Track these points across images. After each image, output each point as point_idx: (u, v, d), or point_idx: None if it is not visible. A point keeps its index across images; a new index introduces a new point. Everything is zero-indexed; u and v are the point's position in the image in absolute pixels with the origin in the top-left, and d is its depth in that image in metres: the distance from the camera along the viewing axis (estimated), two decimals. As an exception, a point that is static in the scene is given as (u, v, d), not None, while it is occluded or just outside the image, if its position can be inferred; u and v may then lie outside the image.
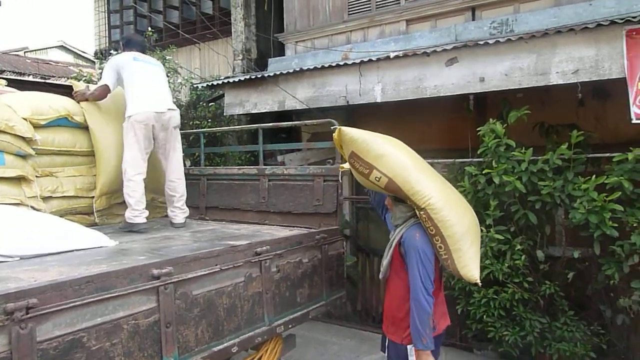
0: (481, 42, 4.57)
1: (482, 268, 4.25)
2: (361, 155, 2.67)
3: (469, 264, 2.59)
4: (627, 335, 4.30)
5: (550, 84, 4.26)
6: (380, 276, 2.82)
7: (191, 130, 6.43)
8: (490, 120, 4.37)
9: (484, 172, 4.27)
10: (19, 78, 11.33)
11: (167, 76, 7.24)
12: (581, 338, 4.06)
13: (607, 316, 4.11)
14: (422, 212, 2.56)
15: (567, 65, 4.19)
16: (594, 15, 4.70)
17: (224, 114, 6.84)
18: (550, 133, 4.90)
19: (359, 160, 2.69)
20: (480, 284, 2.68)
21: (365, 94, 5.42)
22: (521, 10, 5.33)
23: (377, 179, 2.65)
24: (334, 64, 5.65)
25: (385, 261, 2.76)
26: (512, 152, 4.17)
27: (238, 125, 7.09)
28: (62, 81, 11.92)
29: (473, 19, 5.67)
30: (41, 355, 1.86)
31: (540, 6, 5.22)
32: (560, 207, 4.19)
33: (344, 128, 2.77)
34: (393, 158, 2.64)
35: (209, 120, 7.19)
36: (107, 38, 10.66)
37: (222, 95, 6.94)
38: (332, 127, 3.09)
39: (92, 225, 3.94)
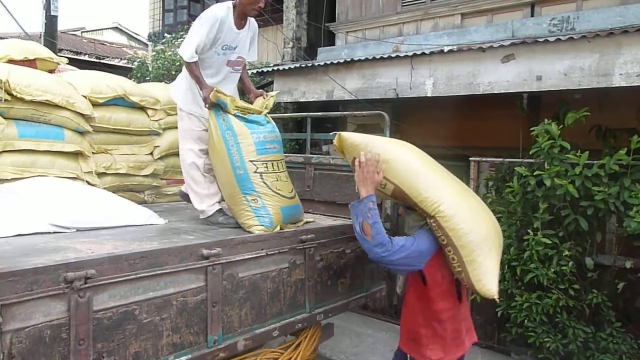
0: (540, 39, 4.43)
1: (527, 272, 4.16)
2: None
3: (485, 277, 2.34)
4: (676, 352, 4.12)
5: (613, 85, 4.09)
6: (398, 290, 2.74)
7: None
8: (545, 120, 4.23)
9: (534, 173, 4.15)
10: (76, 57, 11.77)
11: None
12: (627, 351, 3.91)
13: (656, 331, 3.96)
14: (432, 220, 2.40)
15: (632, 67, 4.01)
16: (663, 15, 4.48)
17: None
18: (608, 137, 4.71)
19: None
20: (498, 300, 2.41)
21: (415, 88, 5.35)
22: (584, 8, 5.13)
23: (382, 186, 2.53)
24: (385, 56, 5.60)
25: (402, 277, 2.67)
26: (566, 155, 4.03)
27: (284, 112, 7.13)
28: (116, 61, 12.30)
29: (532, 15, 5.50)
30: (96, 324, 1.94)
31: (604, 4, 5.00)
32: (613, 215, 4.03)
33: (344, 133, 2.67)
34: (399, 163, 2.50)
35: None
36: (160, 21, 10.92)
37: (271, 82, 7.00)
38: (331, 134, 3.00)
39: (142, 202, 4.05)
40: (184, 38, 7.72)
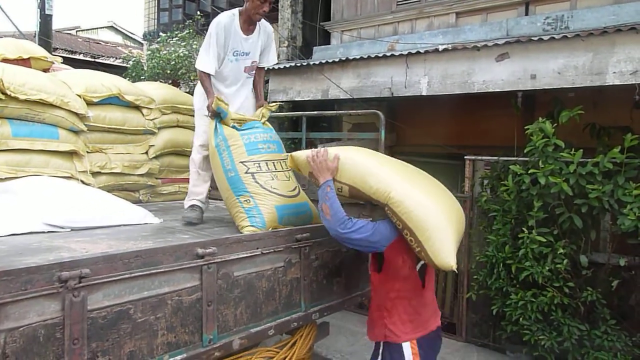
0: (535, 38, 4.45)
1: (522, 270, 4.18)
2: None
3: (442, 252, 2.41)
4: (670, 349, 4.14)
5: (606, 84, 4.11)
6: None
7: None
8: (540, 119, 4.25)
9: (529, 172, 4.17)
10: (70, 56, 11.73)
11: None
12: (622, 348, 3.93)
13: (650, 328, 3.98)
14: (386, 209, 2.54)
15: (625, 65, 4.03)
16: (657, 14, 4.49)
17: (267, 101, 6.90)
18: (602, 135, 4.73)
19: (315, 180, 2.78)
20: (456, 270, 2.50)
21: (410, 87, 5.36)
22: (578, 7, 5.15)
23: (339, 190, 2.72)
24: (380, 55, 5.61)
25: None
26: (561, 153, 4.04)
27: (279, 112, 7.13)
28: (111, 61, 12.26)
29: (526, 14, 5.51)
30: (91, 323, 1.94)
31: (598, 3, 5.02)
32: (607, 212, 4.05)
33: (294, 154, 2.90)
34: (348, 164, 2.69)
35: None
36: (155, 20, 10.89)
37: (266, 82, 6.99)
38: (284, 155, 3.12)
39: (137, 202, 4.05)
40: (179, 37, 7.69)
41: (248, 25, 3.44)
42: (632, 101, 4.26)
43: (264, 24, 3.58)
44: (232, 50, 3.44)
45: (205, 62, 3.36)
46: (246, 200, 2.96)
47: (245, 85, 3.65)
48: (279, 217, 2.99)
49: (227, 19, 3.36)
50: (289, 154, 2.94)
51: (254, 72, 3.67)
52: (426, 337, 2.65)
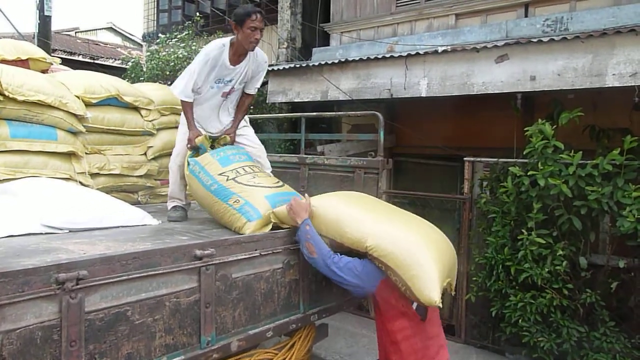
0: (534, 40, 4.45)
1: (521, 271, 4.17)
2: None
3: (426, 288, 2.38)
4: (669, 351, 4.14)
5: (606, 86, 4.11)
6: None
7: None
8: (539, 120, 4.24)
9: (528, 173, 4.16)
10: (69, 57, 11.72)
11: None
12: (621, 350, 3.92)
13: (650, 330, 3.97)
14: (369, 255, 2.58)
15: (625, 67, 4.03)
16: (656, 16, 4.50)
17: (266, 102, 6.90)
18: (602, 137, 4.73)
19: None
20: (440, 305, 2.43)
21: (410, 88, 5.36)
22: (577, 9, 5.15)
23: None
24: (379, 56, 5.61)
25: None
26: (560, 155, 4.04)
27: (279, 113, 7.13)
28: (110, 62, 12.25)
29: (525, 16, 5.51)
30: (88, 325, 1.93)
31: (598, 4, 5.02)
32: (607, 214, 4.05)
33: (275, 211, 2.93)
34: (326, 217, 2.77)
35: (251, 107, 7.26)
36: (155, 22, 10.89)
37: (265, 83, 6.99)
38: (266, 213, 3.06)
39: (135, 203, 4.05)
40: (178, 38, 7.68)
41: (238, 56, 3.41)
42: (631, 103, 4.26)
43: (258, 53, 3.54)
44: (215, 78, 3.45)
45: (180, 88, 3.37)
46: (235, 201, 2.98)
47: (223, 109, 3.66)
48: (271, 204, 2.99)
49: (217, 51, 3.34)
50: (272, 211, 2.96)
51: (234, 95, 3.65)
52: None
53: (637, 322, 4.10)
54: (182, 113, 3.56)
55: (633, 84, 3.98)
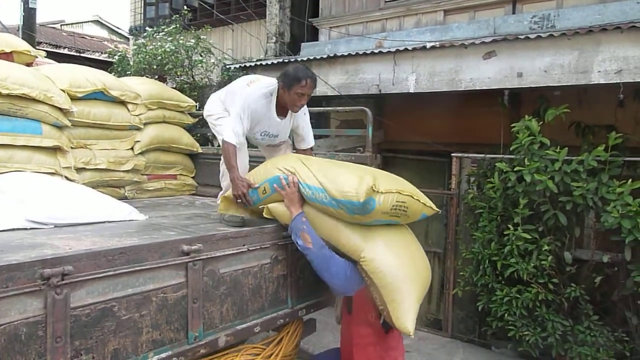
0: (521, 37, 4.47)
1: (507, 266, 4.22)
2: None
3: (404, 316, 2.51)
4: (652, 344, 4.21)
5: (592, 83, 4.15)
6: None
7: (221, 111, 6.46)
8: (526, 117, 4.28)
9: (515, 169, 4.20)
10: (55, 50, 11.55)
11: (200, 56, 7.31)
12: (604, 343, 3.99)
13: (632, 323, 4.03)
14: (358, 265, 2.63)
15: (610, 64, 4.07)
16: (641, 14, 4.54)
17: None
18: (587, 133, 4.79)
19: None
20: (413, 335, 2.55)
21: (398, 84, 5.37)
22: (564, 6, 5.19)
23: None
24: (368, 52, 5.60)
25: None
26: (546, 151, 4.08)
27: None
28: (96, 55, 12.11)
29: (513, 12, 5.54)
30: (74, 321, 1.91)
31: (584, 2, 5.06)
32: (591, 210, 4.10)
33: (270, 206, 2.87)
34: (318, 218, 2.74)
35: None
36: (142, 15, 10.77)
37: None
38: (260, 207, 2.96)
39: (122, 198, 4.01)
40: (165, 32, 7.57)
41: (281, 109, 3.17)
42: (616, 100, 4.32)
43: (303, 109, 3.28)
44: (261, 131, 3.21)
45: (232, 134, 2.99)
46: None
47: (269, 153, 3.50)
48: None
49: (265, 100, 3.08)
50: (266, 206, 2.90)
51: (281, 149, 3.47)
52: None
53: (620, 316, 4.17)
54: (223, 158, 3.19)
55: (618, 81, 4.02)
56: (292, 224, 2.74)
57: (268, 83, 3.16)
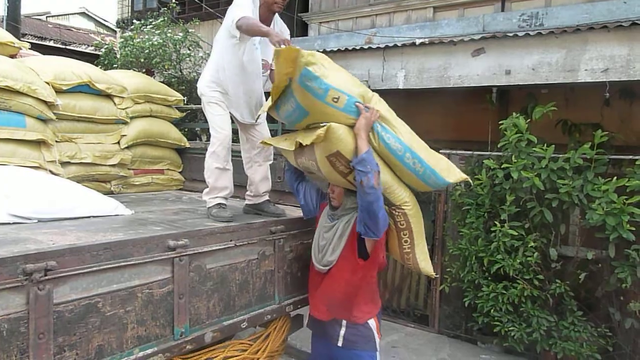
0: (510, 34, 4.50)
1: (493, 262, 4.25)
2: (347, 157, 2.47)
3: (426, 258, 2.81)
4: (634, 339, 4.26)
5: (579, 81, 4.19)
6: (324, 268, 2.72)
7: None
8: (514, 114, 4.30)
9: (502, 166, 4.22)
10: (40, 42, 11.38)
11: (189, 50, 7.25)
12: (587, 339, 4.04)
13: (615, 319, 4.08)
14: (393, 208, 2.69)
15: (597, 63, 4.11)
16: (627, 13, 4.58)
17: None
18: (573, 131, 4.83)
19: (341, 160, 2.49)
20: (435, 275, 2.85)
21: (387, 80, 5.37)
22: (553, 4, 5.23)
23: (354, 178, 2.50)
24: (357, 47, 5.60)
25: (335, 252, 2.67)
26: (533, 148, 4.11)
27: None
28: (83, 48, 11.95)
29: (502, 10, 5.57)
30: (57, 317, 1.89)
31: (572, 0, 5.11)
32: (577, 207, 4.14)
33: (333, 126, 2.43)
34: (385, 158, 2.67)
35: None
36: (129, 7, 10.64)
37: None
38: (321, 125, 2.52)
39: (108, 193, 3.97)
40: (153, 25, 7.48)
41: (264, 19, 3.02)
42: (602, 99, 4.36)
43: (278, 21, 3.18)
44: (259, 38, 3.05)
45: (239, 11, 2.84)
46: None
47: (258, 79, 3.21)
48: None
49: (253, 6, 2.98)
50: (328, 124, 2.44)
51: (267, 73, 3.26)
52: (380, 310, 2.90)
53: (604, 312, 4.22)
54: (201, 96, 3.15)
55: (604, 80, 4.06)
56: (367, 159, 2.41)
57: None
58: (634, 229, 3.70)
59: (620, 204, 3.68)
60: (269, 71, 3.27)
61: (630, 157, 3.95)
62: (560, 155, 4.04)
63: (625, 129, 4.86)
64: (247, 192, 3.40)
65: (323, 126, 2.47)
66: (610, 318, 4.13)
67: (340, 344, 2.71)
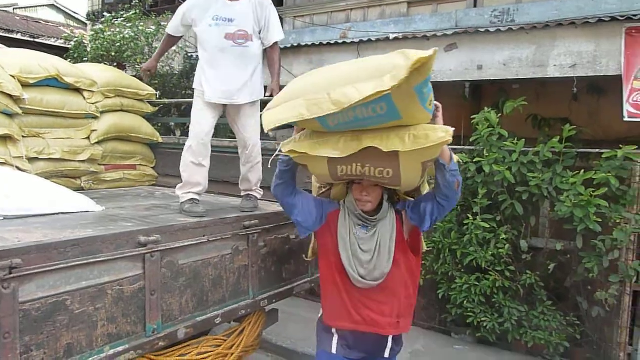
0: (482, 30, 4.56)
1: (466, 255, 4.32)
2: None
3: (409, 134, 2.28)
4: (601, 327, 4.40)
5: (548, 76, 4.28)
6: (375, 283, 2.40)
7: (183, 100, 6.34)
8: (485, 109, 4.37)
9: (474, 160, 4.29)
10: (7, 35, 11.05)
11: (161, 43, 7.13)
12: (557, 327, 4.15)
13: (583, 308, 4.20)
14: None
15: (565, 59, 4.20)
16: (595, 10, 4.69)
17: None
18: (543, 126, 4.93)
19: (430, 162, 2.29)
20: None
21: (361, 75, 5.38)
22: (524, 1, 5.31)
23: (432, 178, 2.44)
24: (332, 42, 5.60)
25: (389, 261, 2.40)
26: (504, 142, 4.18)
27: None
28: (52, 41, 11.65)
29: (475, 6, 5.64)
30: (23, 316, 1.84)
31: (543, -3, 5.20)
32: (546, 200, 4.24)
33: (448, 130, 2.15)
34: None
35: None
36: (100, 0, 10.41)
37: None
38: (441, 132, 2.15)
39: (78, 189, 3.89)
40: (125, 18, 7.34)
41: None
42: (571, 94, 4.46)
43: None
44: (213, 15, 3.08)
45: (172, 24, 3.33)
46: None
47: (230, 54, 3.13)
48: None
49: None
50: (446, 128, 2.14)
51: (243, 42, 3.15)
52: None
53: (572, 301, 4.34)
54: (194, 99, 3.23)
55: (572, 75, 4.15)
56: (456, 169, 2.32)
57: None
58: (600, 220, 3.81)
59: (587, 196, 3.78)
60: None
61: (597, 150, 4.06)
62: (531, 149, 4.13)
63: (592, 124, 4.99)
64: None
65: (404, 128, 2.14)
66: (579, 307, 4.24)
67: (387, 355, 2.55)
